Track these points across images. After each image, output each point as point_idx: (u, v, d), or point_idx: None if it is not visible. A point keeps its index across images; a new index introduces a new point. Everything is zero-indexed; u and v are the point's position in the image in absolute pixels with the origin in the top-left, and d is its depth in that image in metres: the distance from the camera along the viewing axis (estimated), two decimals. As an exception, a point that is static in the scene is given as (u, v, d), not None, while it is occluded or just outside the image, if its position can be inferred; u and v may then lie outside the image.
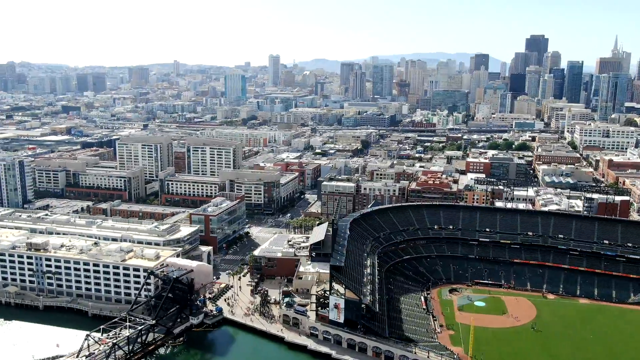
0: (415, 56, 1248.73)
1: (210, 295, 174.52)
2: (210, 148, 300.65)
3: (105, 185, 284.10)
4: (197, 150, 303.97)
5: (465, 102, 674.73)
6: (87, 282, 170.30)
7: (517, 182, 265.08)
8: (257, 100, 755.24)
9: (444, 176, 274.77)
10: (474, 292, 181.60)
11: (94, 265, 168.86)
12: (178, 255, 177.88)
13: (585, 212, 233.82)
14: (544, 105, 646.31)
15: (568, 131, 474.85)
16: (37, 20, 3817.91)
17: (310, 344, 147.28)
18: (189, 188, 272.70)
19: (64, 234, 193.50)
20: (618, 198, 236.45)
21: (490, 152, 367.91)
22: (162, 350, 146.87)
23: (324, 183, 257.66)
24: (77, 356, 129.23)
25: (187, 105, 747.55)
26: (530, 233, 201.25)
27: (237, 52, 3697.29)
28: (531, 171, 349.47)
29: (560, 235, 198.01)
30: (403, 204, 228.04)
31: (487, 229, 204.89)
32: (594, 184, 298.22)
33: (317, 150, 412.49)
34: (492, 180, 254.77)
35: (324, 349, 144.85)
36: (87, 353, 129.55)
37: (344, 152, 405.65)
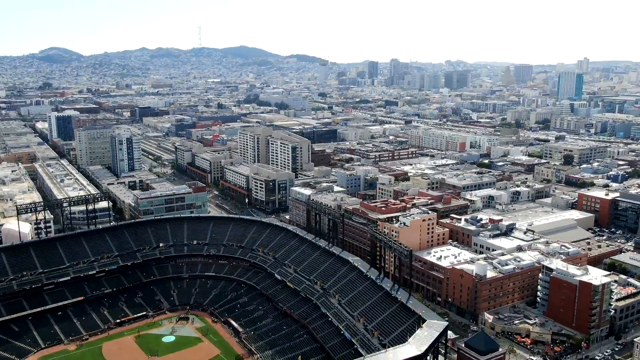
0: None
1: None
2: (281, 142, 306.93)
3: (200, 166, 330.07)
4: (272, 144, 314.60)
5: None
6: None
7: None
8: (571, 102, 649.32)
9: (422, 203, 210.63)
10: (198, 330, 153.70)
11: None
12: (39, 223, 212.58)
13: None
14: None
15: None
16: (478, 21, 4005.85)
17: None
18: (234, 177, 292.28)
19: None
20: (583, 278, 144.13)
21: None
22: None
23: (292, 188, 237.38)
24: None
25: (501, 105, 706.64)
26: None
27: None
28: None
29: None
30: (202, 215, 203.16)
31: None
32: None
33: (485, 161, 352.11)
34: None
35: None
36: None
37: (517, 166, 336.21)
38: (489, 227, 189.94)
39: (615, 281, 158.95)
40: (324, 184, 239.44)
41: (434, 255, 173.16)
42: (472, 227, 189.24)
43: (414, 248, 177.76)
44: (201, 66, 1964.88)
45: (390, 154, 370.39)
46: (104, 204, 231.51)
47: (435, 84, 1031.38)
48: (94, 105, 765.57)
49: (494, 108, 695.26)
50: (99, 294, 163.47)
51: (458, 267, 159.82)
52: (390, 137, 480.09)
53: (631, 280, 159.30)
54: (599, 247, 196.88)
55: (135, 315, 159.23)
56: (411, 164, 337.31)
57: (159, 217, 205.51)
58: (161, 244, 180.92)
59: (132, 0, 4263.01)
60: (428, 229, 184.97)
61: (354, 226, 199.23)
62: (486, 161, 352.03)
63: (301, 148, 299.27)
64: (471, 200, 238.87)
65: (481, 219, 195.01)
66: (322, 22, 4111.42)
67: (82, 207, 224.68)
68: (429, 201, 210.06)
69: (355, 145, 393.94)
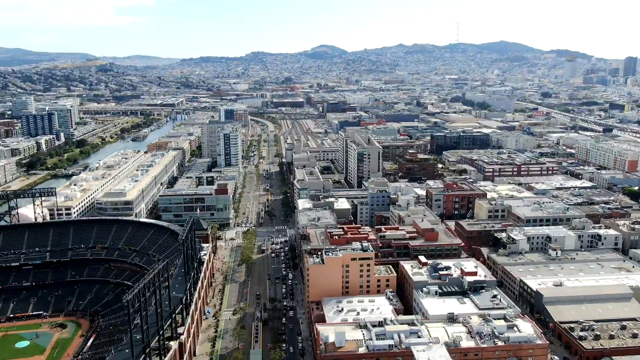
0: None
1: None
2: (353, 148, 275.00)
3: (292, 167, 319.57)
4: (349, 149, 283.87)
5: None
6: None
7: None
8: None
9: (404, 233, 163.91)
10: (57, 340, 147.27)
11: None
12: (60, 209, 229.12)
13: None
14: None
15: None
16: None
17: None
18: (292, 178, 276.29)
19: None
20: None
21: None
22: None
23: (297, 199, 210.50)
24: None
25: None
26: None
27: None
28: None
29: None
30: (144, 220, 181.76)
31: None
32: None
33: (635, 188, 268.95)
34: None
35: None
36: None
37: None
38: (447, 281, 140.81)
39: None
40: (331, 199, 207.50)
41: (337, 307, 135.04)
42: (420, 278, 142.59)
43: (333, 292, 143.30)
44: (453, 62, 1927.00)
45: (516, 169, 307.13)
46: (129, 198, 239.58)
47: None
48: (301, 100, 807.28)
49: None
50: (17, 286, 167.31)
51: (321, 327, 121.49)
52: (562, 148, 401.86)
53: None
54: (634, 336, 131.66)
55: (31, 313, 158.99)
56: (523, 184, 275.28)
57: (107, 218, 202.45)
58: (98, 245, 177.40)
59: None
60: (361, 271, 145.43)
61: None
62: (636, 188, 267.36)
63: (369, 155, 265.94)
64: (512, 238, 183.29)
65: (445, 268, 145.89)
66: (591, 15, 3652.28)
67: (113, 199, 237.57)
68: (407, 234, 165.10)
69: (479, 156, 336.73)
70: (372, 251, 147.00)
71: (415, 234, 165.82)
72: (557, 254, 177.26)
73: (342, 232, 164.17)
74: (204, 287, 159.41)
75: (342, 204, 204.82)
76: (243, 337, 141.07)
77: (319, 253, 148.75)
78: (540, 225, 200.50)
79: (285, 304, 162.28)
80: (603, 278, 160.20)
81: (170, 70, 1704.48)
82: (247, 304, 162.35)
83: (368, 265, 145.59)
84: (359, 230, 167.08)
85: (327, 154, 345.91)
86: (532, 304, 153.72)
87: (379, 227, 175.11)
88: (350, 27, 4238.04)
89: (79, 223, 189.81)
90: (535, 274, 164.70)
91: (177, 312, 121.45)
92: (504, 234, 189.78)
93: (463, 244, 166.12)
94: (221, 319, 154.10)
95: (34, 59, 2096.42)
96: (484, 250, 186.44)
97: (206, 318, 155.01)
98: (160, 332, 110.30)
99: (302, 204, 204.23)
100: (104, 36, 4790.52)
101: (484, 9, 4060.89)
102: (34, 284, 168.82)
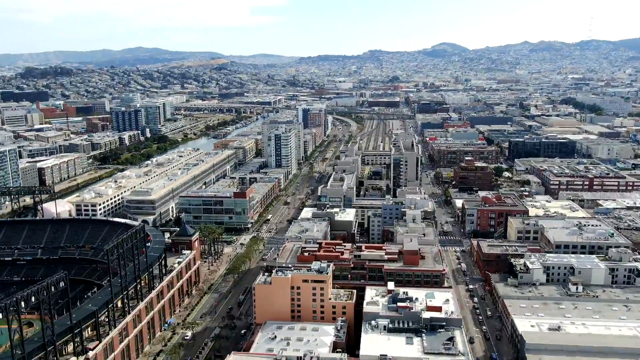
0: None
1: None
2: (394, 155, 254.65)
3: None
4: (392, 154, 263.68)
5: None
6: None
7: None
8: None
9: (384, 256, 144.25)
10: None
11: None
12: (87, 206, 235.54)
13: None
14: None
15: None
16: None
17: None
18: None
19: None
20: None
21: None
22: None
23: (304, 208, 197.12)
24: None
25: None
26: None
27: None
28: None
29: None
30: (130, 223, 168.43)
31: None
32: None
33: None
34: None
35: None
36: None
37: None
38: (402, 314, 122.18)
39: None
40: (335, 209, 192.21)
41: (271, 335, 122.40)
42: (373, 308, 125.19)
43: (281, 316, 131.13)
44: (582, 60, 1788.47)
45: (587, 182, 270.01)
46: (153, 197, 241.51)
47: None
48: (398, 100, 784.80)
49: None
50: (8, 280, 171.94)
51: (233, 357, 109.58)
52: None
53: None
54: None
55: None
56: (587, 200, 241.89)
57: (100, 219, 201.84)
58: (87, 245, 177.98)
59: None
60: (314, 294, 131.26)
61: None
62: None
63: (406, 161, 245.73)
64: (525, 267, 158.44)
65: (407, 299, 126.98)
66: None
67: (137, 197, 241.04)
68: (386, 256, 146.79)
69: (550, 165, 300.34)
70: (327, 273, 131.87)
71: (396, 256, 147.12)
72: (577, 289, 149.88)
73: (316, 249, 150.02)
74: (168, 297, 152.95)
75: (347, 215, 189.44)
76: (180, 354, 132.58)
77: (270, 270, 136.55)
78: (573, 252, 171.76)
79: (250, 321, 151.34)
80: (619, 325, 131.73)
81: (286, 69, 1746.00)
82: (214, 319, 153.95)
83: (322, 289, 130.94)
84: (335, 247, 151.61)
85: (383, 158, 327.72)
86: (519, 350, 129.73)
87: (359, 245, 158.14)
88: (473, 24, 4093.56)
89: (75, 222, 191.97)
90: (537, 312, 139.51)
91: (83, 326, 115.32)
92: (521, 260, 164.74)
93: (445, 271, 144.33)
94: (179, 332, 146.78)
95: (168, 57, 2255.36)
96: (494, 278, 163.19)
97: (164, 330, 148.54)
98: (50, 348, 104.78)
99: (305, 213, 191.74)
100: (236, 35, 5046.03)
101: (623, 1, 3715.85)
102: (23, 279, 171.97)
